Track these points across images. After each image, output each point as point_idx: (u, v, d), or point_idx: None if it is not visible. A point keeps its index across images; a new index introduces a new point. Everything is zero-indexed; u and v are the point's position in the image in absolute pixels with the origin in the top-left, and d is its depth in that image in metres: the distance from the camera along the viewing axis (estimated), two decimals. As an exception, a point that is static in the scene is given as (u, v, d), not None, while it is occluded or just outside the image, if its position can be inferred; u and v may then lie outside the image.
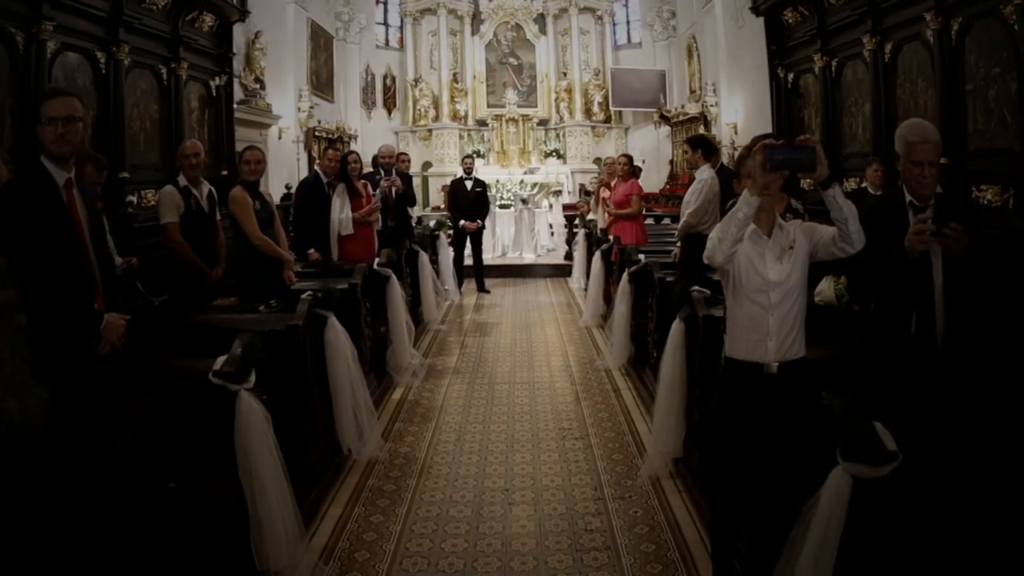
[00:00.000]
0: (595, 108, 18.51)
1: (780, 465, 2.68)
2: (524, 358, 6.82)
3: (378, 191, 7.28)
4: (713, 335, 3.60)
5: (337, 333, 4.19)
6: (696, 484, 3.88)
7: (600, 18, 18.80)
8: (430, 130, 18.36)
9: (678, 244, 5.99)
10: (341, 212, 6.28)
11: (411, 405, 5.48)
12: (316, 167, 6.79)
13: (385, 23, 18.96)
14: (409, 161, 10.27)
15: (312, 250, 6.24)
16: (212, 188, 5.26)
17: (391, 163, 8.15)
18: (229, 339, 3.31)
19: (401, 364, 5.99)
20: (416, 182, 17.65)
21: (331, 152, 6.59)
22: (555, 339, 7.58)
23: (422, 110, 18.43)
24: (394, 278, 6.07)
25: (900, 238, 2.84)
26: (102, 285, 3.11)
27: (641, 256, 6.07)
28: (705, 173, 5.72)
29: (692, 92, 16.30)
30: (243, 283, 4.91)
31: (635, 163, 8.53)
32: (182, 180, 5.07)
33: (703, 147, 5.88)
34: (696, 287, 4.00)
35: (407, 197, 8.53)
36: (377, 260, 6.08)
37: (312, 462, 4.01)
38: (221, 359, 3.02)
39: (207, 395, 3.04)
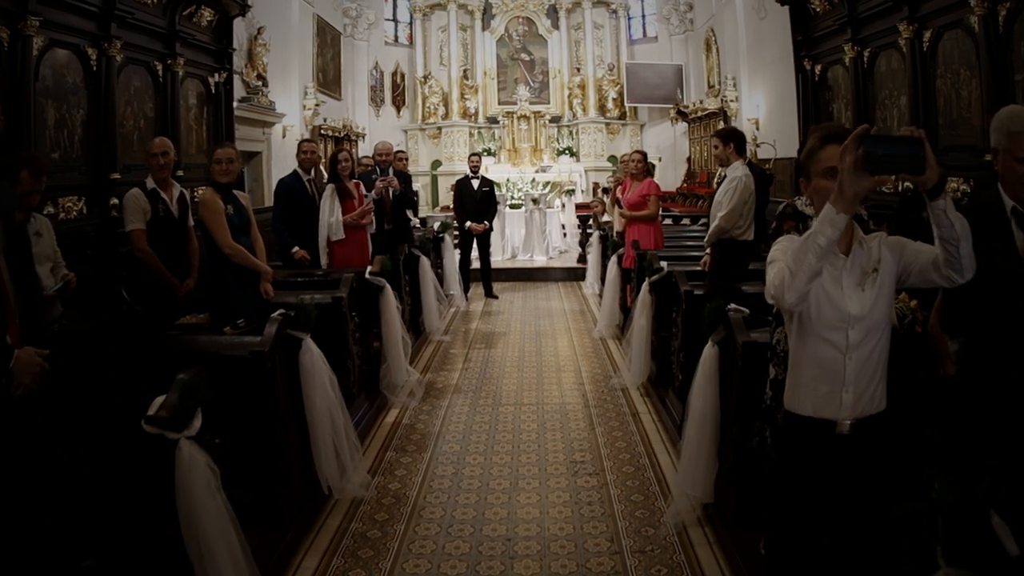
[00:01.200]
0: (609, 104, 17.96)
1: (848, 536, 2.10)
2: (533, 373, 6.26)
3: (372, 192, 6.72)
4: (754, 364, 3.03)
5: (314, 357, 3.64)
6: (730, 536, 3.31)
7: (615, 12, 18.26)
8: (440, 128, 17.89)
9: (707, 251, 5.39)
10: (331, 215, 5.70)
11: (405, 430, 4.93)
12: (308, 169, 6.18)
13: (394, 19, 18.53)
14: (407, 159, 9.74)
15: (297, 248, 5.71)
16: (184, 191, 4.75)
17: (388, 161, 7.60)
18: (182, 366, 2.80)
19: (396, 383, 5.42)
20: (425, 181, 17.37)
21: (305, 144, 6.04)
22: (567, 351, 7.02)
23: (431, 107, 17.99)
24: (388, 288, 5.48)
25: (1001, 253, 2.24)
26: (19, 312, 2.60)
27: (663, 264, 5.46)
28: (738, 170, 5.09)
29: (710, 87, 15.69)
30: (215, 297, 4.37)
31: (649, 160, 7.94)
32: (150, 182, 4.58)
33: (735, 141, 5.20)
34: (733, 304, 3.41)
35: (405, 199, 7.95)
36: (369, 268, 5.51)
37: (284, 505, 3.49)
38: (157, 401, 2.49)
39: (145, 442, 2.54)
